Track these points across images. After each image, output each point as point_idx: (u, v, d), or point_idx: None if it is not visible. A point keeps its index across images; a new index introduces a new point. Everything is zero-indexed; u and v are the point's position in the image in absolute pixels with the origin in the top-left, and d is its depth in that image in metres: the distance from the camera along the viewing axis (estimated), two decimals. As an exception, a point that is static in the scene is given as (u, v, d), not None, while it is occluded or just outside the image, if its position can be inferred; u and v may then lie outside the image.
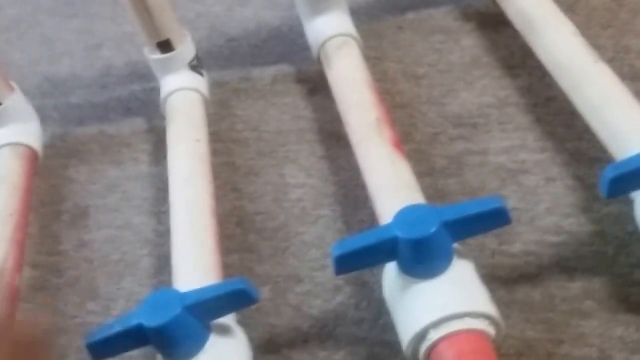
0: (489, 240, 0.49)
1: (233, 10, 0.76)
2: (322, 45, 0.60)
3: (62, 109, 0.70)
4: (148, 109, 0.66)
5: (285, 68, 0.67)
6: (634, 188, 0.41)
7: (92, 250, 0.57)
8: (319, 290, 0.50)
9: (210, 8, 0.77)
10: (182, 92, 0.61)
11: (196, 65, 0.62)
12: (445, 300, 0.38)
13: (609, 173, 0.39)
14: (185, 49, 0.61)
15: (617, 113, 0.46)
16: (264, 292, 0.51)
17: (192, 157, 0.55)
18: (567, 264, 0.46)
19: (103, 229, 0.58)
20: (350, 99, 0.54)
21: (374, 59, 0.64)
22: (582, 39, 0.51)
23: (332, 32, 0.60)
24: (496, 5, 0.60)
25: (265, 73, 0.68)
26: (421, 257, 0.39)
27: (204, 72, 0.63)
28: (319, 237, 0.53)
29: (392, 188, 0.46)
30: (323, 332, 0.47)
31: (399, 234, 0.39)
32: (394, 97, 0.61)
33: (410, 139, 0.57)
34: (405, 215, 0.40)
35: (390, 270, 0.42)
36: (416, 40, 0.65)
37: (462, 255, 0.41)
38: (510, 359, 0.43)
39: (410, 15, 0.67)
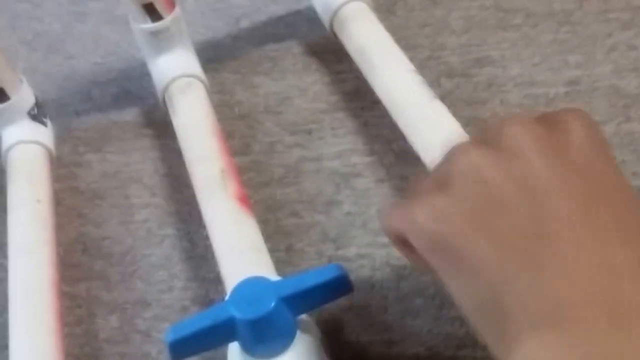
0: (326, 246, 0.51)
1: (71, 27, 0.74)
2: (166, 87, 0.57)
3: None
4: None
5: (126, 85, 0.66)
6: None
7: None
8: (167, 313, 0.50)
9: (48, 26, 0.75)
10: (22, 145, 0.57)
11: (37, 115, 0.58)
12: None
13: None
14: (22, 97, 0.57)
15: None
16: (113, 321, 0.51)
17: (32, 222, 0.52)
18: (397, 263, 0.49)
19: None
20: (195, 149, 0.53)
21: (212, 70, 0.64)
22: (419, 76, 0.52)
23: (176, 73, 0.58)
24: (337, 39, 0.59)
25: (106, 92, 0.67)
26: (261, 336, 0.38)
27: (48, 121, 0.60)
28: (166, 258, 0.53)
29: (236, 250, 0.45)
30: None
31: (236, 314, 0.37)
32: (233, 108, 0.61)
33: (250, 151, 0.58)
34: (243, 290, 0.38)
35: (233, 350, 0.40)
36: (251, 49, 0.65)
37: (306, 328, 0.40)
38: (347, 365, 0.45)
39: (245, 24, 0.68)
